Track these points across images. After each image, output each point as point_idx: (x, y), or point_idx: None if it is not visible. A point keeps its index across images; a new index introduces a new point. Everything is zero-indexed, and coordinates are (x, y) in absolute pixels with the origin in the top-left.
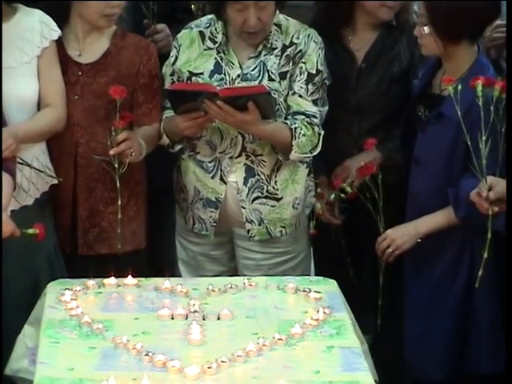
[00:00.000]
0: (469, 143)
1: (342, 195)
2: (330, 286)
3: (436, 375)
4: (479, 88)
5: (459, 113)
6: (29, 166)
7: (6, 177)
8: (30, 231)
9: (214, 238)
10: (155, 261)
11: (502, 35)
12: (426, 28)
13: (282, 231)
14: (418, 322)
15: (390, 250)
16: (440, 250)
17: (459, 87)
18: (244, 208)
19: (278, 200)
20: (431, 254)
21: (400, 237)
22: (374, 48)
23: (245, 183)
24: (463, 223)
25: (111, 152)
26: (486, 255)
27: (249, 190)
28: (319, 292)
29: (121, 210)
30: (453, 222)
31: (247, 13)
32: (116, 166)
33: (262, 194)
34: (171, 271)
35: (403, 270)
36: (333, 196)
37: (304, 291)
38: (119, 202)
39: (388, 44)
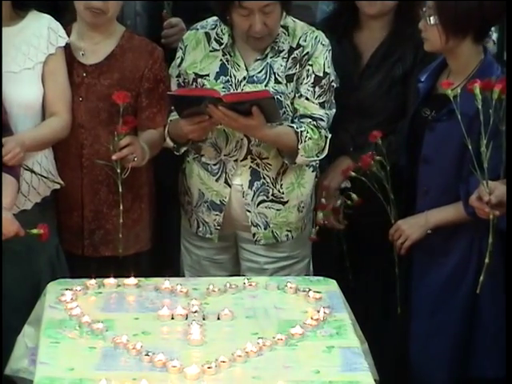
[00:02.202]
0: (469, 146)
1: (349, 202)
2: (330, 286)
3: (441, 377)
4: (477, 91)
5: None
6: (34, 172)
7: (10, 178)
8: (34, 231)
9: (218, 242)
10: (158, 263)
11: None
12: (432, 18)
13: (288, 235)
14: (423, 324)
15: (400, 241)
16: (448, 251)
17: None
18: (249, 212)
19: (283, 204)
20: (439, 254)
21: (409, 227)
22: (381, 49)
23: (250, 186)
24: (473, 219)
25: (114, 157)
26: (487, 260)
27: (254, 194)
28: (319, 292)
29: (124, 213)
30: (463, 217)
31: (252, 18)
32: (118, 170)
33: (268, 197)
34: (174, 274)
35: (410, 271)
36: (339, 202)
37: (304, 291)
38: (121, 207)
39: (394, 45)
